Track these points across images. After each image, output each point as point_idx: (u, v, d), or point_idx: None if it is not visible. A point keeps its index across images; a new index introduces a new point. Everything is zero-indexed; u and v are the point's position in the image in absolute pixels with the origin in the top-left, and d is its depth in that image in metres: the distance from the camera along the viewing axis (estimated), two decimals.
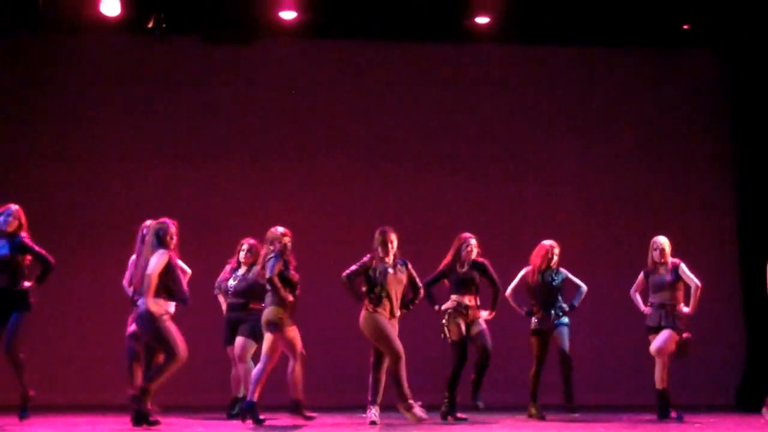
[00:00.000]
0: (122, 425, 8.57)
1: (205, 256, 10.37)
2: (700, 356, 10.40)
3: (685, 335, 9.56)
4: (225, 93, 12.40)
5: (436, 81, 12.69)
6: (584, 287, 10.03)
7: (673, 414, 9.57)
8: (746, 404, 11.30)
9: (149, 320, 8.20)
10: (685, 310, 9.61)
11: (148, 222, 8.76)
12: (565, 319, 9.91)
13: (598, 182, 12.74)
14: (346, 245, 10.35)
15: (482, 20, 11.74)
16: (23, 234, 8.63)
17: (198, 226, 11.27)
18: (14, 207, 8.72)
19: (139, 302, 8.32)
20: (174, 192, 12.04)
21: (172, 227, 8.42)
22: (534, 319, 9.93)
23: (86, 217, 12.00)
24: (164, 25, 11.46)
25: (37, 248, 8.60)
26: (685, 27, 12.07)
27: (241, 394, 9.52)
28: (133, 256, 8.98)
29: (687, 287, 9.62)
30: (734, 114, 12.66)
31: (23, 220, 8.70)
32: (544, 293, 9.89)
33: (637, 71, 12.86)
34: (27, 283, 8.57)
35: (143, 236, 8.68)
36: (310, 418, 8.97)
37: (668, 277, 9.62)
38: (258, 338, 9.22)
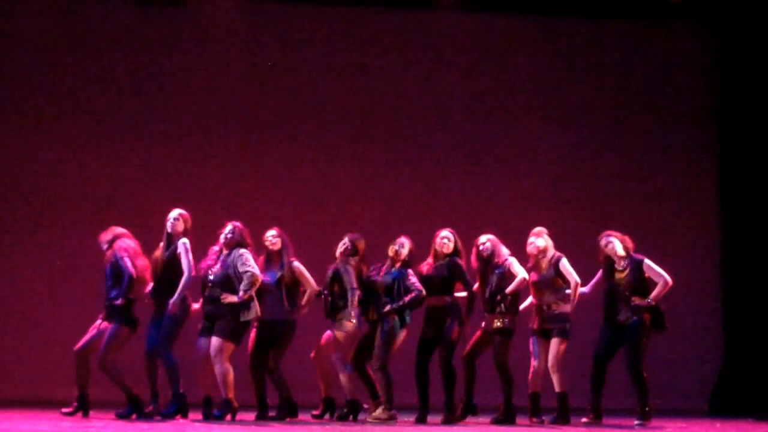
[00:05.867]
0: (79, 420, 8.18)
1: None
2: (673, 359, 10.50)
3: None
4: (157, 59, 11.65)
5: (388, 50, 11.97)
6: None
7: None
8: (720, 409, 11.19)
9: None
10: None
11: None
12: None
13: (569, 169, 11.96)
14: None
15: None
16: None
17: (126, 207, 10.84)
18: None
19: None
20: (108, 169, 11.42)
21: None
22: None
23: None
24: None
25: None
26: None
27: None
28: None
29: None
30: (721, 99, 11.99)
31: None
32: None
33: (617, 46, 12.25)
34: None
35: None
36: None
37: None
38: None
